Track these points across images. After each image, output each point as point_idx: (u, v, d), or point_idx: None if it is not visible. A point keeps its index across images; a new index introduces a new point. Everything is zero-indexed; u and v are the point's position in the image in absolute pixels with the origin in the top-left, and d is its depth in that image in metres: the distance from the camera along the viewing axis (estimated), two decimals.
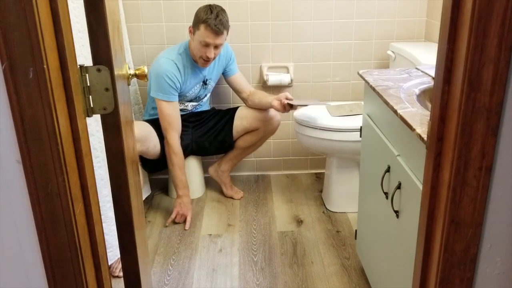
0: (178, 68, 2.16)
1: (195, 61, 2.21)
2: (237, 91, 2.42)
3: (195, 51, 2.14)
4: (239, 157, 2.51)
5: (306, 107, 2.23)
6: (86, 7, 0.85)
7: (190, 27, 2.15)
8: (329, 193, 2.38)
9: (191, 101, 2.32)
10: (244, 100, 2.40)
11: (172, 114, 2.18)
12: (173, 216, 2.27)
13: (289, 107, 2.17)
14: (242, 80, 2.41)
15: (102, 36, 0.86)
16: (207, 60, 2.15)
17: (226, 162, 2.50)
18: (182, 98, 2.26)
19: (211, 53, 2.11)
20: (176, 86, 2.16)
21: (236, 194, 2.53)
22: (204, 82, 2.30)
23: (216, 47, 2.11)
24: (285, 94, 2.19)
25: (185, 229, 2.24)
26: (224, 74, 2.39)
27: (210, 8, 2.07)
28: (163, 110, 2.17)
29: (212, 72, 2.31)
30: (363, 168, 1.73)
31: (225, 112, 2.43)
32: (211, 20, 2.04)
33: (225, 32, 2.10)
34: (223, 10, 2.10)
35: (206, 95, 2.38)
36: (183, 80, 2.20)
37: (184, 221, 2.28)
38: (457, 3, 0.74)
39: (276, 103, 2.19)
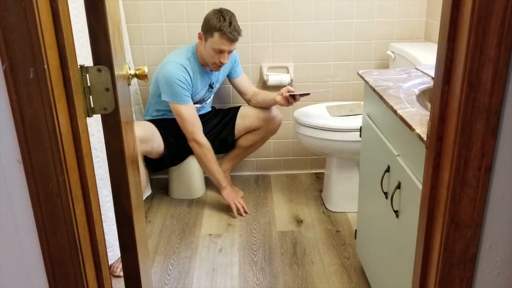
0: (188, 72, 2.16)
1: (203, 65, 2.21)
2: (241, 93, 2.42)
3: (208, 57, 2.14)
4: (240, 157, 2.51)
5: (309, 95, 2.23)
6: (86, 7, 0.85)
7: (200, 33, 2.14)
8: (329, 193, 2.38)
9: (195, 103, 2.31)
10: (248, 101, 2.41)
11: (192, 114, 2.19)
12: (234, 210, 2.33)
13: (292, 98, 2.17)
14: (246, 81, 2.41)
15: (102, 36, 0.86)
16: (220, 66, 2.16)
17: (227, 162, 2.50)
18: None
19: (225, 59, 2.12)
20: (188, 88, 2.16)
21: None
22: (211, 86, 2.31)
23: (229, 52, 2.13)
24: (287, 88, 2.20)
25: (246, 213, 2.34)
26: (229, 76, 2.39)
27: (221, 14, 2.07)
28: (182, 113, 2.17)
29: (218, 76, 2.32)
30: (363, 168, 1.73)
31: (227, 111, 2.43)
32: (226, 28, 2.04)
33: (239, 39, 2.12)
34: (234, 15, 2.11)
35: (209, 97, 2.38)
36: (193, 83, 2.20)
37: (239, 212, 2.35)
38: (457, 3, 0.74)
39: (279, 98, 2.20)
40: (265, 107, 2.33)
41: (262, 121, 2.34)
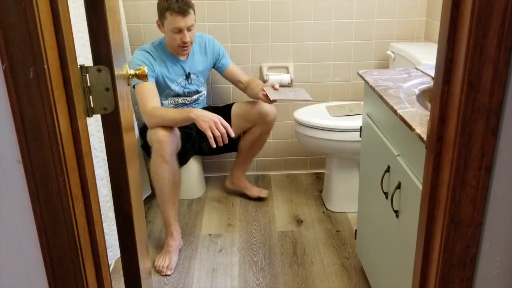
0: (151, 55, 2.13)
1: (173, 54, 2.18)
2: (234, 83, 2.39)
3: (171, 42, 2.11)
4: (247, 160, 2.46)
5: (286, 101, 2.19)
6: (86, 7, 0.85)
7: (157, 21, 2.12)
8: (329, 193, 2.38)
9: (178, 96, 2.26)
10: (243, 91, 2.37)
11: (150, 90, 2.06)
12: (209, 134, 1.91)
13: (268, 99, 2.13)
14: (236, 70, 2.37)
15: (103, 36, 0.86)
16: (185, 46, 2.11)
17: (237, 169, 2.48)
18: (168, 92, 2.22)
19: (185, 37, 2.06)
20: (149, 67, 2.09)
21: (262, 193, 2.49)
22: (188, 76, 2.25)
23: (189, 29, 2.07)
24: (272, 83, 2.15)
25: (230, 137, 1.96)
26: (218, 69, 2.36)
27: None
28: (138, 91, 2.04)
29: (193, 66, 2.25)
30: (363, 168, 1.73)
31: (221, 109, 2.37)
32: (173, 4, 2.00)
33: (191, 12, 2.05)
34: None
35: (198, 91, 2.31)
36: (158, 66, 2.14)
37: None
38: (456, 3, 0.74)
39: (260, 94, 2.16)
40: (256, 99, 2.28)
41: (255, 117, 2.27)
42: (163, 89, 2.20)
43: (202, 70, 2.31)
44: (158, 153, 1.95)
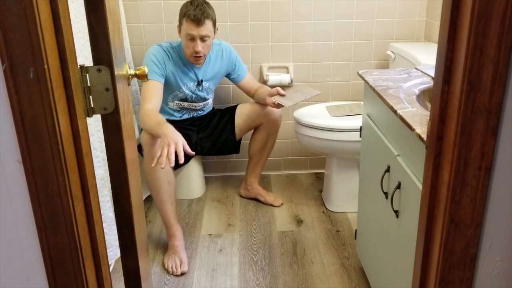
0: (167, 54, 2.13)
1: (189, 60, 2.17)
2: (247, 93, 2.39)
3: (185, 50, 2.11)
4: (258, 164, 2.45)
5: (296, 104, 2.20)
6: (86, 7, 0.85)
7: (178, 26, 2.13)
8: (329, 193, 2.38)
9: (185, 100, 2.26)
10: (252, 98, 2.38)
11: (152, 90, 2.05)
12: (158, 153, 1.76)
13: (279, 105, 2.15)
14: (250, 81, 2.38)
15: (103, 36, 0.86)
16: (197, 56, 2.10)
17: (250, 175, 2.47)
18: (176, 93, 2.22)
19: (197, 46, 2.04)
20: (160, 65, 2.10)
21: (276, 202, 2.46)
22: (199, 83, 2.25)
23: (203, 39, 2.05)
24: (276, 89, 2.16)
25: (177, 163, 1.75)
26: (232, 80, 2.36)
27: (191, 1, 2.04)
28: (143, 88, 2.06)
29: (206, 74, 2.25)
30: (363, 168, 1.73)
31: (225, 111, 2.40)
32: (191, 11, 2.00)
33: (207, 22, 2.02)
34: (206, 2, 2.05)
35: (205, 99, 2.32)
36: (172, 66, 2.14)
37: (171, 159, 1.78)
38: (456, 3, 0.74)
39: (268, 100, 2.18)
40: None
41: (261, 116, 2.29)
42: (173, 89, 2.20)
43: (215, 78, 2.30)
44: (149, 155, 1.94)
